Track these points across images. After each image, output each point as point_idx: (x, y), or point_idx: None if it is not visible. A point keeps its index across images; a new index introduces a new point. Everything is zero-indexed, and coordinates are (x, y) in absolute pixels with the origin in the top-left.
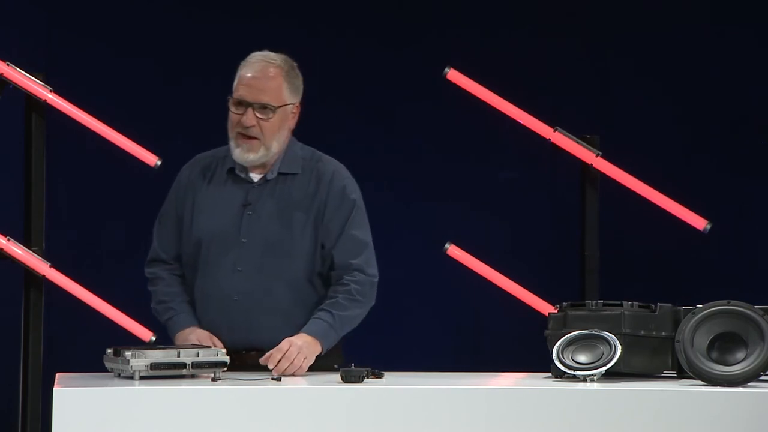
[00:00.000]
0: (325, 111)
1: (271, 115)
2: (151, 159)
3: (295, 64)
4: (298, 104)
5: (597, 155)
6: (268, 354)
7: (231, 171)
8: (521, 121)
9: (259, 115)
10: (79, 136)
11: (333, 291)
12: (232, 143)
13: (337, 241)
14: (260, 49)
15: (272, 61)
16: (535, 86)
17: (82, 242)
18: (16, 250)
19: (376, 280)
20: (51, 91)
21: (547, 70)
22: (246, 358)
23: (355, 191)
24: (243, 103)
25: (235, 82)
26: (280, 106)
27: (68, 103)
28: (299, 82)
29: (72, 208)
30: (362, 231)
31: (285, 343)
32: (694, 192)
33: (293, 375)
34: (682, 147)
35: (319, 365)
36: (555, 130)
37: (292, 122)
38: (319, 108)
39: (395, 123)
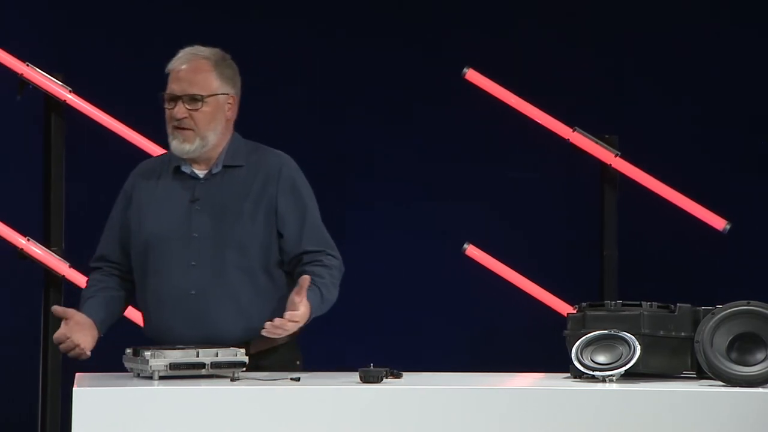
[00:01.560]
0: (343, 112)
1: (200, 105)
2: None
3: (227, 56)
4: (233, 95)
5: (616, 155)
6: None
7: (177, 170)
8: (540, 122)
9: (188, 107)
10: (98, 136)
11: (316, 270)
12: (169, 138)
13: (303, 232)
14: (279, 49)
15: (200, 54)
16: (554, 86)
17: None
18: (36, 250)
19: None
20: (70, 91)
21: (566, 71)
22: None
23: (304, 180)
24: (174, 98)
25: (167, 80)
26: (210, 96)
27: (87, 103)
28: (232, 72)
29: (91, 209)
30: (319, 218)
31: (305, 311)
32: (713, 192)
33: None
34: (701, 147)
35: (282, 358)
36: (574, 130)
37: (229, 114)
38: (336, 109)
39: (413, 123)
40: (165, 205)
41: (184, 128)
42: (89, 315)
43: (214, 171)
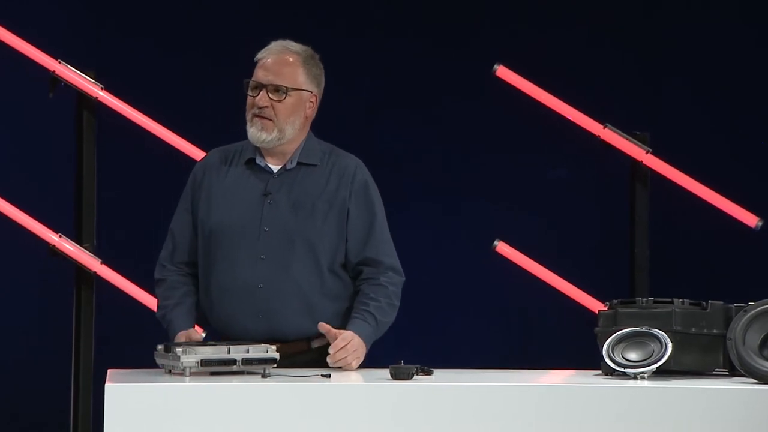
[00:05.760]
0: (373, 109)
1: (283, 96)
2: (202, 156)
3: (316, 55)
4: (315, 94)
5: (647, 152)
6: (333, 345)
7: (250, 162)
8: (570, 118)
9: (272, 97)
10: (129, 133)
11: (372, 291)
12: (248, 125)
13: (368, 238)
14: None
15: (290, 48)
16: (585, 83)
17: (133, 239)
18: (68, 246)
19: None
20: (102, 88)
21: (597, 67)
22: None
23: (375, 187)
24: (258, 86)
25: (254, 68)
26: (294, 89)
27: (119, 100)
28: (318, 71)
29: (123, 205)
30: (387, 228)
31: (349, 335)
32: (745, 189)
33: (340, 368)
34: (732, 144)
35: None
36: (605, 127)
37: (309, 112)
38: (366, 107)
39: (443, 120)
40: (236, 196)
41: (264, 117)
42: (183, 327)
43: (288, 167)
